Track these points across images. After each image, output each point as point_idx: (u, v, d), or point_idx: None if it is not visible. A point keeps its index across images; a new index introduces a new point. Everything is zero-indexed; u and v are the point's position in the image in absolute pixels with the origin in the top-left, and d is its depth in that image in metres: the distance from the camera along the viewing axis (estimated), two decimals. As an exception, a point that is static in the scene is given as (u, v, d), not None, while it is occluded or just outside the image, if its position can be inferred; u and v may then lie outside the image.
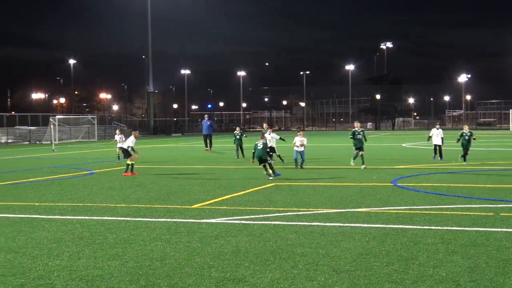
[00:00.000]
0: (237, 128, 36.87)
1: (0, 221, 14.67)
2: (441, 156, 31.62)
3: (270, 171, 23.64)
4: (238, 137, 35.36)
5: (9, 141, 71.06)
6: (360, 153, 27.67)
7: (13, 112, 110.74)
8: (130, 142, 27.32)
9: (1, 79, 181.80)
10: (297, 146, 28.13)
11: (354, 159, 28.28)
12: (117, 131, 34.65)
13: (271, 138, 30.18)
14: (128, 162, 26.64)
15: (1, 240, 12.36)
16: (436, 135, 31.92)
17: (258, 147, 23.75)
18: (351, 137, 28.62)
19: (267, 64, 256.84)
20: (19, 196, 19.73)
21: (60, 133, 73.32)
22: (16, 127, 78.36)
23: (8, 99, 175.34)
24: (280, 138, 31.81)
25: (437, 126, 33.05)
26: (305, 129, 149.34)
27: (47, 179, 25.49)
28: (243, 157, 34.35)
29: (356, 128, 28.15)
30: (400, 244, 11.40)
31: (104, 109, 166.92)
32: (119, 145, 32.24)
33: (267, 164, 23.76)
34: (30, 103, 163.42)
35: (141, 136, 72.53)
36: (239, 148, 35.44)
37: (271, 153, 27.59)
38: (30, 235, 12.82)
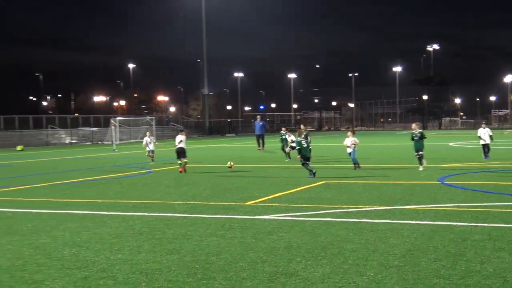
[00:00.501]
0: (283, 129, 36.40)
1: (65, 217, 14.92)
2: (487, 154, 30.79)
3: (312, 169, 23.55)
4: (284, 137, 35.05)
5: (73, 141, 72.26)
6: (420, 153, 25.96)
7: (76, 114, 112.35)
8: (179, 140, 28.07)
9: (65, 83, 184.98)
10: (348, 147, 26.78)
11: (420, 164, 25.99)
12: (147, 133, 34.74)
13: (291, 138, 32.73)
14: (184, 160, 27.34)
15: (66, 235, 12.57)
16: (483, 134, 31.21)
17: (304, 145, 23.58)
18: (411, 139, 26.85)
19: (317, 66, 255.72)
20: (83, 193, 20.03)
21: (121, 134, 74.09)
22: (79, 128, 79.61)
23: (72, 102, 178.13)
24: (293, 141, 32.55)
25: (483, 126, 32.36)
26: (354, 128, 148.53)
27: (108, 177, 25.84)
28: (289, 158, 34.09)
29: (413, 130, 26.77)
30: (447, 241, 11.26)
31: (161, 110, 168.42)
32: (150, 146, 32.37)
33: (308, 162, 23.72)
34: (92, 106, 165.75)
35: (189, 136, 72.92)
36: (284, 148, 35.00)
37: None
38: (94, 231, 13.01)
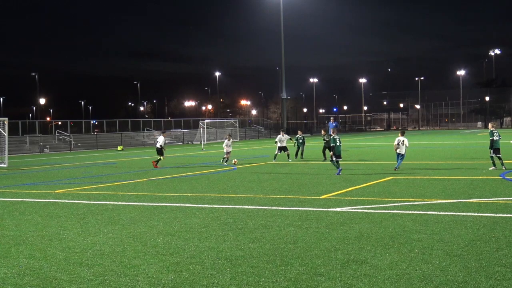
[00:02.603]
0: (299, 132, 34.85)
1: (159, 209, 15.19)
2: None
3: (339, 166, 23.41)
4: (301, 141, 33.54)
5: (166, 141, 73.38)
6: (499, 155, 23.59)
7: (169, 118, 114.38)
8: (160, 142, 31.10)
9: (160, 90, 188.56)
10: (399, 148, 24.21)
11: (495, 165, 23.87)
12: (228, 136, 33.79)
13: (284, 138, 32.51)
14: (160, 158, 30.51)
15: (160, 225, 12.80)
16: None
17: (337, 144, 23.31)
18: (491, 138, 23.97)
19: (389, 70, 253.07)
20: (175, 188, 20.35)
21: (208, 135, 75.07)
22: (171, 130, 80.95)
23: (165, 107, 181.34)
24: (290, 139, 33.34)
25: None
26: (420, 128, 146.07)
27: (197, 173, 26.17)
28: (302, 158, 33.20)
29: (492, 129, 24.20)
30: (509, 231, 10.94)
31: (244, 113, 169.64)
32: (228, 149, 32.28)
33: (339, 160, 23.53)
34: (183, 110, 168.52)
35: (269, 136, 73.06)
36: (299, 149, 33.62)
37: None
38: (184, 221, 13.20)
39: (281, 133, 33.17)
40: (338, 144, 23.40)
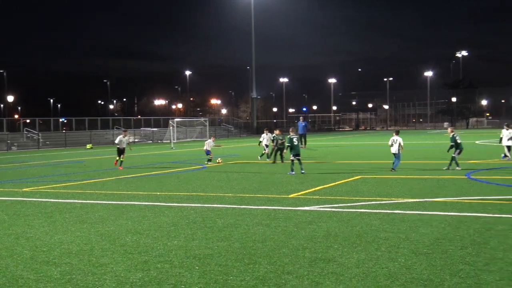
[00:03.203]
0: (277, 131, 32.17)
1: (128, 208, 15.10)
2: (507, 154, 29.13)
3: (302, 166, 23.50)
4: (280, 141, 33.04)
5: (136, 140, 73.04)
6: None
7: (139, 116, 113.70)
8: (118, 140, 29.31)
9: (130, 89, 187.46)
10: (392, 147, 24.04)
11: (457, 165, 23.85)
12: (212, 138, 33.66)
13: (268, 137, 32.44)
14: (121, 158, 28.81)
15: (129, 223, 12.72)
16: (506, 136, 29.53)
17: (294, 143, 23.37)
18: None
19: (359, 70, 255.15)
20: (144, 186, 20.25)
21: (178, 133, 74.76)
22: (141, 128, 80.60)
23: (135, 105, 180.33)
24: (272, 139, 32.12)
25: (505, 127, 30.61)
26: (388, 128, 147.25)
27: (167, 172, 26.07)
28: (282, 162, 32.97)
29: (452, 133, 24.47)
30: (473, 230, 11.09)
31: (214, 112, 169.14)
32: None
33: (300, 159, 23.58)
34: (153, 108, 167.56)
35: (239, 136, 72.93)
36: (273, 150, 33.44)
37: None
38: (153, 220, 13.14)
39: (265, 131, 33.29)
40: (295, 143, 23.40)
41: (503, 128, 29.97)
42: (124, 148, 28.96)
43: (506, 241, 10.12)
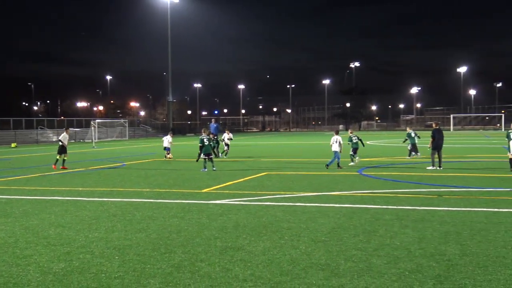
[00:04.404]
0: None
1: (51, 203, 14.62)
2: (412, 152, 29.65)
3: (214, 164, 23.67)
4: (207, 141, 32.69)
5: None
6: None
7: (62, 117, 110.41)
8: (62, 138, 26.42)
9: (54, 92, 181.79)
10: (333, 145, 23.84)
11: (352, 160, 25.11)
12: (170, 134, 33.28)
13: (229, 136, 32.35)
14: (63, 157, 25.85)
15: (52, 217, 12.32)
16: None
17: (206, 143, 23.46)
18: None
19: (268, 76, 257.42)
20: (67, 182, 19.67)
21: (99, 133, 73.20)
22: (64, 128, 78.25)
23: (59, 107, 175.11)
24: (229, 139, 32.44)
25: (408, 128, 31.07)
26: (291, 130, 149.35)
27: (88, 169, 25.41)
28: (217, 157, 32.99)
29: (351, 134, 25.48)
30: (364, 220, 11.38)
31: (133, 114, 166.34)
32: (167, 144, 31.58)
33: (212, 157, 23.70)
34: (76, 110, 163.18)
35: (156, 135, 72.15)
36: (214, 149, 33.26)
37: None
38: (75, 213, 12.78)
39: (226, 131, 33.02)
40: (206, 143, 23.38)
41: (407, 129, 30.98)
42: (66, 147, 26.37)
43: (392, 229, 10.44)
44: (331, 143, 24.19)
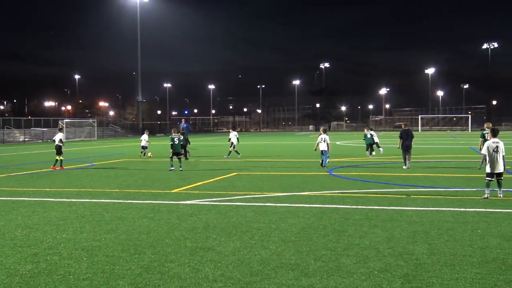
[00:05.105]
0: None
1: (18, 204, 14.40)
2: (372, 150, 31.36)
3: (182, 164, 23.75)
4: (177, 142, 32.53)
5: (26, 139, 69.87)
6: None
7: (29, 117, 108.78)
8: (58, 138, 25.76)
9: (20, 91, 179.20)
10: (319, 144, 23.69)
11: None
12: (146, 132, 33.26)
13: (233, 135, 31.23)
14: (60, 158, 25.22)
15: (19, 218, 12.14)
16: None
17: (176, 143, 23.46)
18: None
19: (240, 76, 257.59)
20: (34, 183, 19.39)
21: (67, 133, 72.24)
22: (31, 128, 77.18)
23: (26, 106, 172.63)
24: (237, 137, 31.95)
25: (366, 129, 32.31)
26: (261, 130, 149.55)
27: (57, 169, 25.06)
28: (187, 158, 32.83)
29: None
30: (334, 220, 11.45)
31: (102, 114, 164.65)
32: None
33: (181, 157, 23.93)
34: (43, 110, 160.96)
35: (126, 135, 71.59)
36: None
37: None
38: (42, 214, 12.61)
39: (230, 130, 32.79)
40: (176, 143, 23.41)
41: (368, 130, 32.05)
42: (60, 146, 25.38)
43: (362, 229, 10.53)
44: (317, 142, 24.09)
